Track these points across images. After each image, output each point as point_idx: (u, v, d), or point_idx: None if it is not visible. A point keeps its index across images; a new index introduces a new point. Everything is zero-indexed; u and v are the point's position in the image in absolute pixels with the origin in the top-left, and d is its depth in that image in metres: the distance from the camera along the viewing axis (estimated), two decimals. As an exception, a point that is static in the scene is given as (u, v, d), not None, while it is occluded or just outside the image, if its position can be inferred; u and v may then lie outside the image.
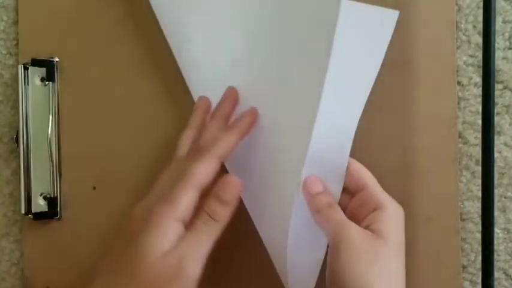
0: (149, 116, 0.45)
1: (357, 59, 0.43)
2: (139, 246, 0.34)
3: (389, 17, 0.43)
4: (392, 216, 0.39)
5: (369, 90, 0.43)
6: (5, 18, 0.46)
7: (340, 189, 0.41)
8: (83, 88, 0.46)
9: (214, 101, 0.42)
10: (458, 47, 0.44)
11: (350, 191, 0.41)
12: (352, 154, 0.43)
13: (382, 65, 0.43)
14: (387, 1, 0.43)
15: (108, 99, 0.45)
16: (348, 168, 0.41)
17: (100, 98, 0.45)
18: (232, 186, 0.37)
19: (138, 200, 0.38)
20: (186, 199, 0.35)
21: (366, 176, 0.41)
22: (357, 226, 0.38)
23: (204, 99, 0.43)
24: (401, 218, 0.39)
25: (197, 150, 0.39)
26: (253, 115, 0.41)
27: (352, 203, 0.41)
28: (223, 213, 0.37)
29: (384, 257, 0.37)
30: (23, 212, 0.45)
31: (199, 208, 0.36)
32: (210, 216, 0.36)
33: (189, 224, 0.35)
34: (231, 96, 0.42)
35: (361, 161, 0.43)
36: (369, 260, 0.36)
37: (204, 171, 0.36)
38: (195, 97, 0.44)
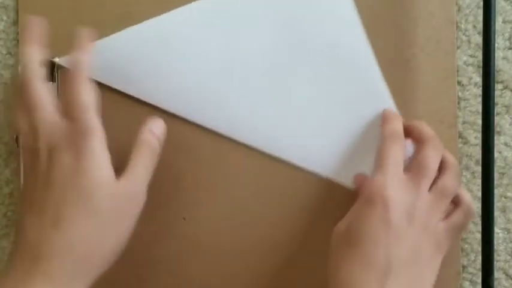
0: (149, 115, 0.45)
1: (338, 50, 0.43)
2: (90, 177, 0.36)
3: None
4: None
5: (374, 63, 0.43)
6: (5, 18, 0.46)
7: None
8: (83, 88, 0.45)
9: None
10: (458, 47, 0.44)
11: None
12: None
13: (383, 65, 0.43)
14: (387, 2, 0.43)
15: (108, 99, 0.45)
16: None
17: (100, 98, 0.45)
18: (159, 123, 0.41)
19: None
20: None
21: None
22: None
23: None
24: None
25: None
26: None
27: None
28: (158, 147, 0.40)
29: None
30: (23, 212, 0.45)
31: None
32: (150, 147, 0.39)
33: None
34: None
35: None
36: None
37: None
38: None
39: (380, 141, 0.41)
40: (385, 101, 0.43)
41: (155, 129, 0.41)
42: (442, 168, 0.40)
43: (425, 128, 0.41)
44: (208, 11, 0.44)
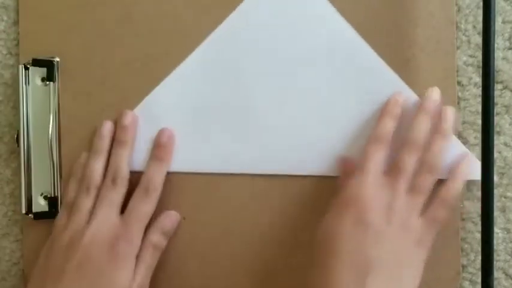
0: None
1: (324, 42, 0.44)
2: (112, 281, 0.40)
3: None
4: None
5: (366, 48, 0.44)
6: (5, 18, 0.46)
7: None
8: (83, 88, 0.46)
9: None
10: (458, 47, 0.44)
11: None
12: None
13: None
14: (387, 2, 0.43)
15: (108, 99, 0.45)
16: None
17: (100, 98, 0.45)
18: (173, 219, 0.44)
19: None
20: (140, 238, 0.42)
21: None
22: None
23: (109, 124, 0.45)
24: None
25: (142, 188, 0.43)
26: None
27: None
28: (165, 244, 0.44)
29: None
30: (23, 211, 0.45)
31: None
32: (156, 248, 0.43)
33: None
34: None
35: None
36: None
37: (151, 210, 0.43)
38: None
39: (367, 141, 0.42)
40: (392, 81, 0.43)
41: (167, 224, 0.44)
42: (420, 165, 0.41)
43: (413, 129, 0.41)
44: (202, 64, 0.45)
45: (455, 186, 0.41)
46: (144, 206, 0.42)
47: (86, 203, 0.43)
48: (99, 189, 0.43)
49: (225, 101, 0.44)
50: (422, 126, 0.41)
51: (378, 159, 0.41)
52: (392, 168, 0.41)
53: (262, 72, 0.44)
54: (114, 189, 0.42)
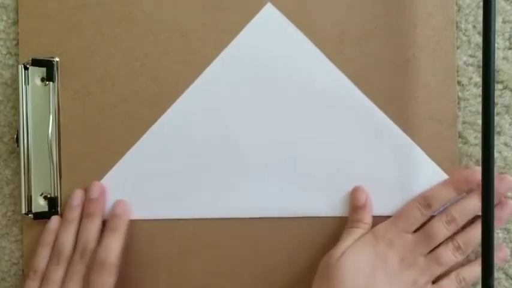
0: (149, 116, 0.45)
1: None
2: None
3: (268, 12, 0.44)
4: None
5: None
6: (5, 18, 0.46)
7: None
8: (83, 88, 0.46)
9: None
10: (458, 47, 0.44)
11: None
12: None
13: (383, 65, 0.43)
14: (387, 2, 0.43)
15: (108, 99, 0.45)
16: None
17: (100, 98, 0.45)
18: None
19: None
20: None
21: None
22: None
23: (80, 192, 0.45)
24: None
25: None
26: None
27: None
28: None
29: None
30: (23, 211, 0.45)
31: None
32: None
33: None
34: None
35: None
36: None
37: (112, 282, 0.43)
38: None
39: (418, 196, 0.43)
40: (381, 119, 0.44)
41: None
42: (451, 240, 0.41)
43: (459, 206, 0.41)
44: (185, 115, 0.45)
45: (477, 271, 0.41)
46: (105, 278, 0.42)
47: (57, 274, 0.43)
48: (69, 260, 0.43)
49: (212, 148, 0.44)
50: (470, 208, 0.41)
51: (416, 219, 0.41)
52: (423, 231, 0.41)
53: (250, 116, 0.44)
54: (82, 263, 0.43)
